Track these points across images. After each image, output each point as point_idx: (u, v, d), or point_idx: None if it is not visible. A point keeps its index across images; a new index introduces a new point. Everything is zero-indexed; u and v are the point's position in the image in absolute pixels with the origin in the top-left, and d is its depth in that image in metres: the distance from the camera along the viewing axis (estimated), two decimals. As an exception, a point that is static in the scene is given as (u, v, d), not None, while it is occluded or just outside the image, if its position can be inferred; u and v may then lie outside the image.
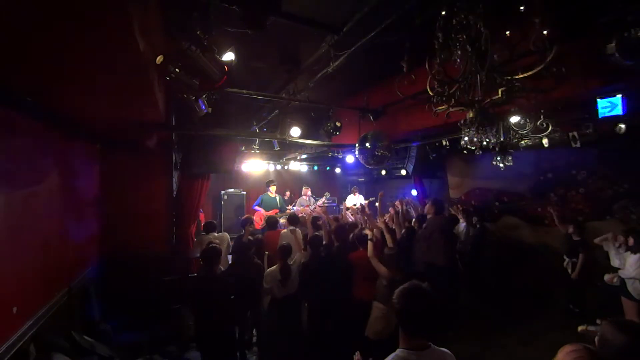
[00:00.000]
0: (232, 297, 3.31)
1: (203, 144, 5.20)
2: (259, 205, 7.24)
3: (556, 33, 1.91)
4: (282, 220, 5.60)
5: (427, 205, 4.72)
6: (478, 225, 5.82)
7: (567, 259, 4.87)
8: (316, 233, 4.08)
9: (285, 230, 4.75)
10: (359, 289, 3.49)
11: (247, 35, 2.48)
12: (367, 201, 7.83)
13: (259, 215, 7.02)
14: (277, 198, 7.42)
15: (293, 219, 4.93)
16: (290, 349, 3.47)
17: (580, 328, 4.22)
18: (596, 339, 1.49)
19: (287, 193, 8.82)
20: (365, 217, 4.74)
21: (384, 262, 3.26)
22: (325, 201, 8.20)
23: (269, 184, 7.45)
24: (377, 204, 5.28)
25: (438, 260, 4.18)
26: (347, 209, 6.56)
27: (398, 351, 1.50)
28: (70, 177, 3.52)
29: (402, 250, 4.00)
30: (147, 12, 1.93)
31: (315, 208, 7.45)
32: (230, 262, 4.70)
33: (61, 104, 2.79)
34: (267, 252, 4.40)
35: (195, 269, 4.85)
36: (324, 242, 3.89)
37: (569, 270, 4.80)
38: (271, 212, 6.97)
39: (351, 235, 3.81)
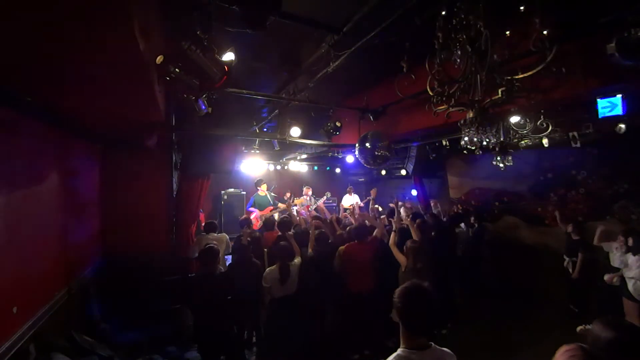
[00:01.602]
0: (230, 297, 3.31)
1: (203, 144, 5.19)
2: (252, 206, 7.24)
3: (556, 33, 1.91)
4: (276, 216, 5.63)
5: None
6: (476, 225, 5.82)
7: (567, 259, 4.87)
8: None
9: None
10: (354, 282, 3.55)
11: (247, 35, 2.49)
12: (362, 202, 7.89)
13: (255, 217, 7.03)
14: (268, 196, 7.44)
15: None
16: (289, 349, 3.47)
17: (579, 328, 4.23)
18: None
19: (288, 193, 8.82)
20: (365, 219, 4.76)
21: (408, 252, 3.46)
22: (326, 201, 8.21)
23: (258, 183, 7.46)
24: (370, 203, 5.34)
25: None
26: (345, 209, 6.59)
27: (399, 350, 1.50)
28: (71, 177, 3.52)
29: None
30: (147, 12, 1.93)
31: (315, 208, 7.48)
32: (228, 262, 4.70)
33: (61, 104, 2.78)
34: (265, 250, 4.40)
35: (195, 269, 4.85)
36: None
37: (570, 270, 4.80)
38: (266, 211, 7.00)
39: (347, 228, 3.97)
